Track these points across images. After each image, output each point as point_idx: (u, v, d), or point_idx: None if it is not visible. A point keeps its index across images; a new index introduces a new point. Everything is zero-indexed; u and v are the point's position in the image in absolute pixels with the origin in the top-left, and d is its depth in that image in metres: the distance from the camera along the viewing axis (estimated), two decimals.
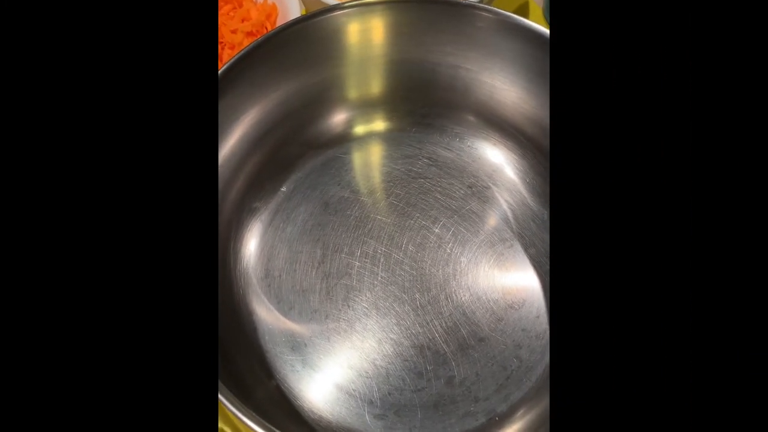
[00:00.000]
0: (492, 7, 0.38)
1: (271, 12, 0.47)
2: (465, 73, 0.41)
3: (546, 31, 0.36)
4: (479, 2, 0.38)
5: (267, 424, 0.28)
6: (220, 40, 0.47)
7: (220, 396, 0.28)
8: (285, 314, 0.38)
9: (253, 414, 0.28)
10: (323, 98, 0.42)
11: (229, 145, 0.38)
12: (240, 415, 0.27)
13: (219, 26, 0.47)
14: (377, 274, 0.39)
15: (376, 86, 0.43)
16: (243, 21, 0.47)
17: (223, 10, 0.48)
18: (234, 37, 0.46)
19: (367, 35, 0.40)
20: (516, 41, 0.38)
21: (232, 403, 0.28)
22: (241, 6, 0.48)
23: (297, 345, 0.37)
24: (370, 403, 0.36)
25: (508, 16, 0.37)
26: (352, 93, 0.43)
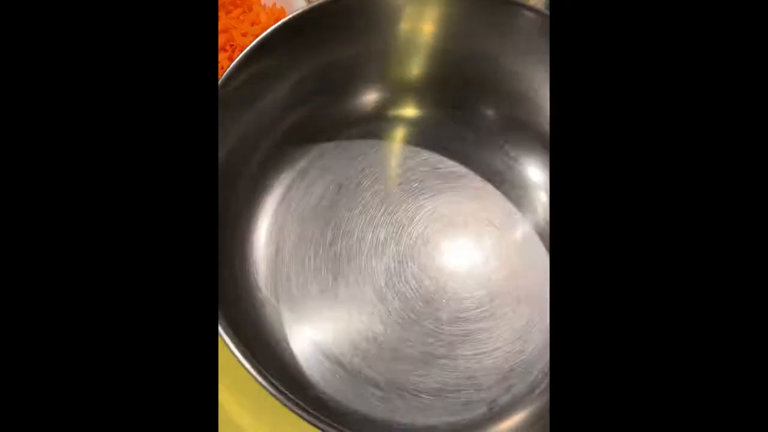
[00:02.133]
0: (534, 6, 0.37)
1: (280, 15, 0.49)
2: (501, 68, 0.41)
3: None
4: None
5: (279, 386, 0.28)
6: (230, 42, 0.48)
7: (235, 351, 0.28)
8: (291, 292, 0.38)
9: (266, 374, 0.28)
10: (351, 78, 0.42)
11: (246, 122, 0.38)
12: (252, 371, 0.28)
13: (230, 29, 0.48)
14: (386, 260, 0.39)
15: (409, 71, 0.42)
16: (253, 24, 0.48)
17: (233, 14, 0.49)
18: (244, 40, 0.48)
19: (413, 19, 0.39)
20: None
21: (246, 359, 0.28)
22: (250, 10, 0.49)
23: (302, 323, 0.37)
24: (375, 386, 0.36)
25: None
26: (386, 75, 0.42)
